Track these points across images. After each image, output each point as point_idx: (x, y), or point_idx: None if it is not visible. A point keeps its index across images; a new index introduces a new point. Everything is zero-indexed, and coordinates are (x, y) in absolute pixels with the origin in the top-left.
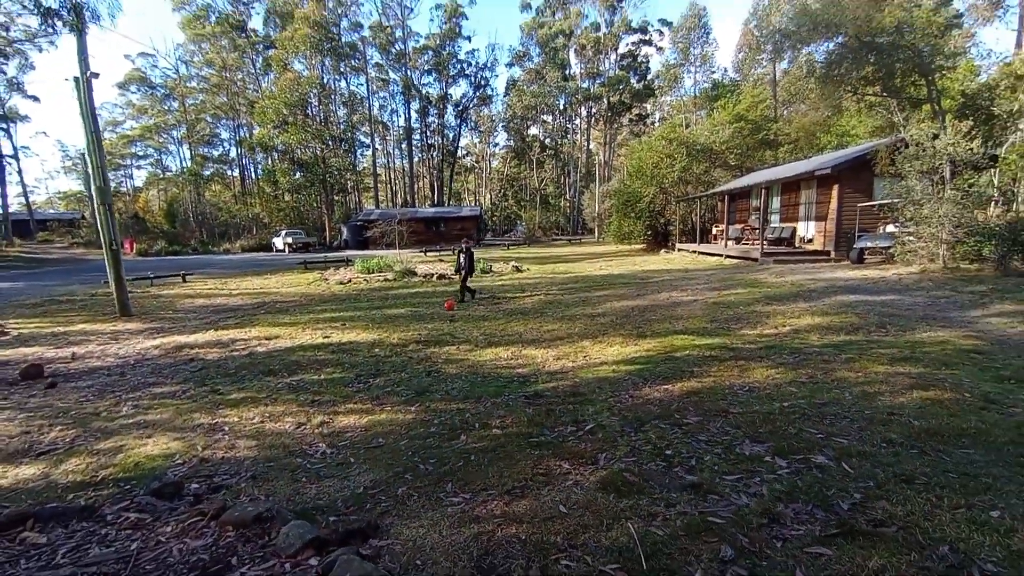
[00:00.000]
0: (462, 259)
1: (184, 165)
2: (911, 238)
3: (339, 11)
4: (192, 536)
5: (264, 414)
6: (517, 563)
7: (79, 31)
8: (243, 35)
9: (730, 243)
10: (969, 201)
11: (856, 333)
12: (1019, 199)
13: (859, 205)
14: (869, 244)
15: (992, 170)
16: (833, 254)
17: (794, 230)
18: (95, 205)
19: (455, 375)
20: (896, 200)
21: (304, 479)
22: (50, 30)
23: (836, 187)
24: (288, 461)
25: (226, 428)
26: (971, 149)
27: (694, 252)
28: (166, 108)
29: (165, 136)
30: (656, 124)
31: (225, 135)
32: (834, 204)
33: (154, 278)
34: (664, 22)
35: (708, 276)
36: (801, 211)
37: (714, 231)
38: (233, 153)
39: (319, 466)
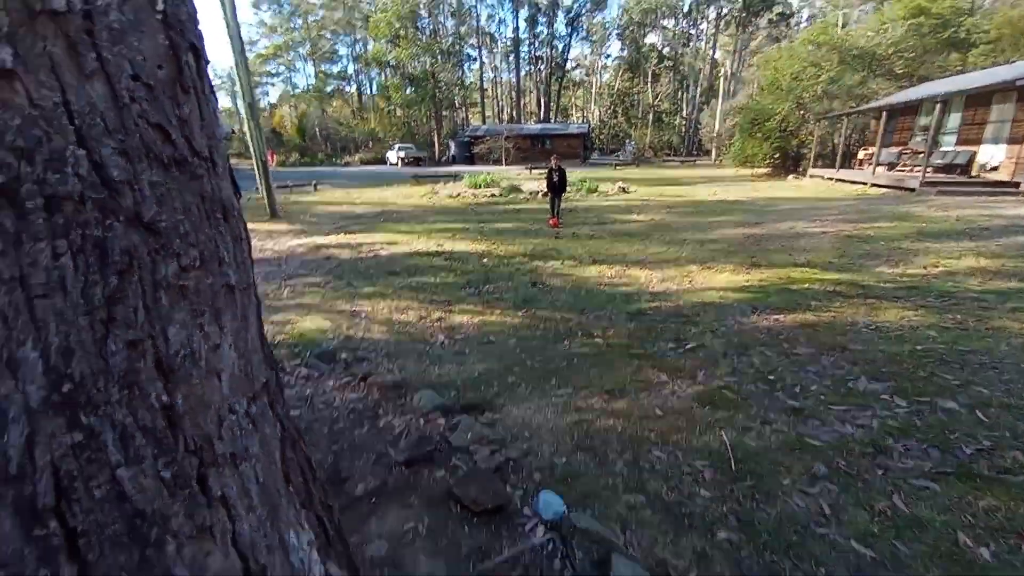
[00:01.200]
0: (555, 177)
1: (309, 83)
2: None
3: None
4: (349, 391)
5: (391, 307)
6: (613, 448)
7: None
8: None
9: (880, 169)
10: None
11: None
12: None
13: None
14: None
15: None
16: None
17: (972, 155)
18: (245, 121)
19: (559, 288)
20: None
21: (428, 361)
22: None
23: None
24: (413, 346)
25: (363, 315)
26: None
27: (830, 179)
28: (292, 26)
29: (293, 54)
30: (803, 25)
31: (343, 51)
32: None
33: (292, 186)
34: None
35: (844, 207)
36: (988, 131)
37: (860, 155)
38: (351, 69)
39: (440, 352)
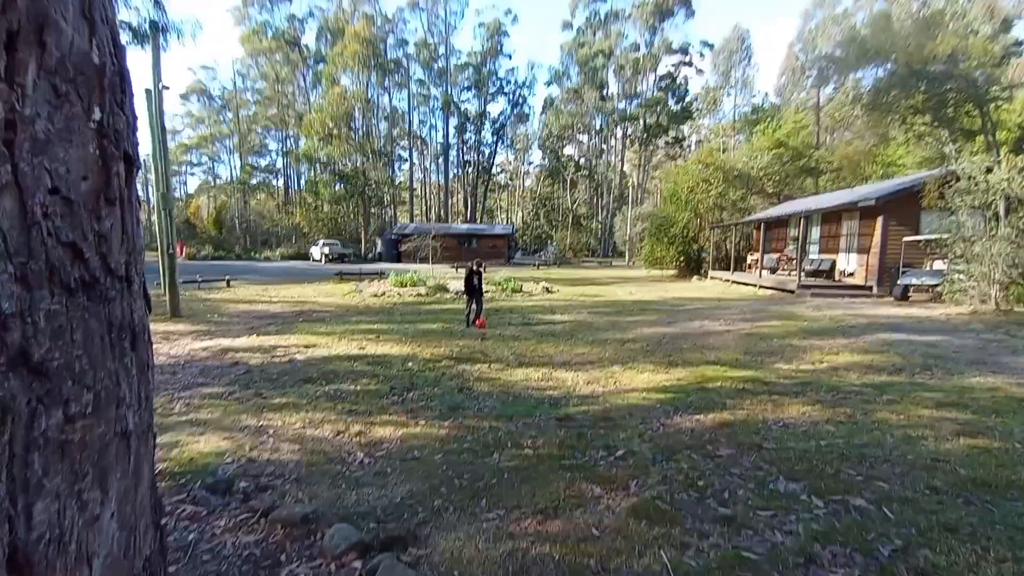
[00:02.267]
0: (475, 281)
1: (234, 174)
2: (961, 276)
3: (387, 28)
4: (244, 531)
5: (305, 420)
6: None
7: (157, 48)
8: (296, 50)
9: (765, 273)
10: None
11: (899, 374)
12: None
13: (904, 239)
14: (915, 281)
15: None
16: (875, 289)
17: (834, 262)
18: (156, 210)
19: (487, 393)
20: (945, 236)
21: (344, 485)
22: (138, 46)
23: (880, 219)
24: (329, 467)
25: (271, 431)
26: None
27: (727, 280)
28: (221, 119)
29: (218, 145)
30: (692, 148)
31: (273, 146)
32: (878, 237)
33: (201, 282)
34: (706, 43)
35: (742, 306)
36: (842, 243)
37: (749, 260)
38: (279, 163)
39: (358, 474)
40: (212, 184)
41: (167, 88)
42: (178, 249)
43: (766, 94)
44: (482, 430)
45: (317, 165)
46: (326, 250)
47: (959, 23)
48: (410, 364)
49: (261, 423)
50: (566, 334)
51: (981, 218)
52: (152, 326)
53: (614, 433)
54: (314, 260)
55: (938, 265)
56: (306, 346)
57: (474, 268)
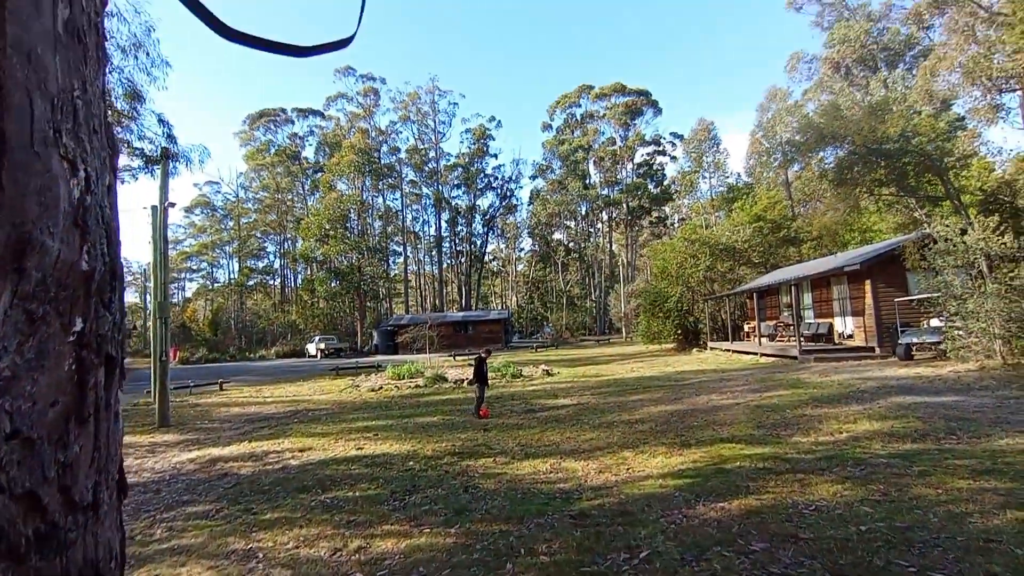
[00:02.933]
0: (484, 368)
1: (232, 277)
2: (960, 333)
3: (380, 139)
4: None
5: (299, 537)
6: None
7: (166, 174)
8: (296, 163)
9: (764, 340)
10: (1014, 294)
11: (924, 440)
12: None
13: (896, 300)
14: (916, 339)
15: None
16: (878, 350)
17: (831, 326)
18: (152, 318)
19: (494, 491)
20: (935, 294)
21: None
22: (148, 174)
23: (868, 282)
24: None
25: (260, 555)
26: (1004, 243)
27: (727, 351)
28: (222, 227)
29: (218, 251)
30: (676, 225)
31: (271, 248)
32: (869, 299)
33: (193, 386)
34: (676, 135)
35: (746, 376)
36: (835, 306)
37: (746, 328)
38: (277, 264)
39: None
40: (210, 288)
41: (173, 205)
42: (171, 355)
43: (738, 174)
44: (492, 535)
45: (314, 264)
46: (322, 346)
47: (902, 106)
48: (411, 463)
49: (250, 545)
50: (571, 419)
51: (967, 276)
52: (139, 438)
53: (634, 530)
54: (310, 356)
55: (935, 322)
56: (301, 450)
57: (483, 355)
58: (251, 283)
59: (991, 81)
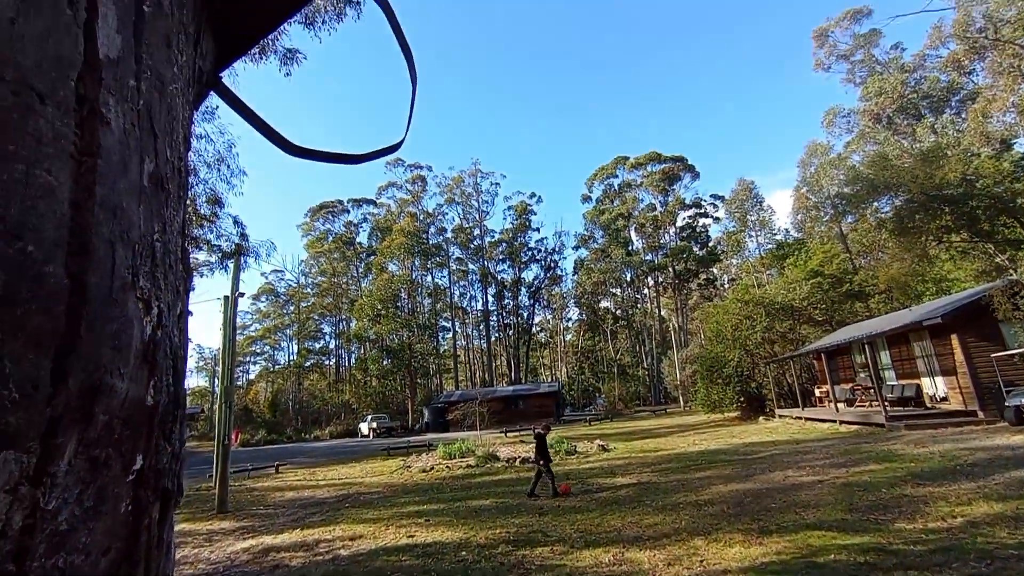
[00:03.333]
0: (545, 445)
1: (291, 359)
2: None
3: (428, 221)
4: None
5: None
6: None
7: (238, 268)
8: (351, 248)
9: (840, 406)
10: None
11: None
12: None
13: (993, 356)
14: None
15: None
16: (981, 414)
17: (919, 387)
18: (219, 402)
19: None
20: None
21: None
22: (223, 269)
23: (955, 337)
24: None
25: None
26: None
27: (798, 419)
28: (284, 312)
29: (280, 334)
30: (726, 286)
31: (327, 329)
32: (960, 356)
33: (251, 470)
34: (716, 196)
35: (825, 448)
36: (920, 365)
37: (817, 393)
38: (332, 345)
39: None
40: (271, 370)
41: (243, 295)
42: (233, 437)
43: (786, 230)
44: None
45: (367, 343)
46: (374, 425)
47: (957, 150)
48: (464, 553)
49: None
50: (632, 500)
51: None
52: (197, 526)
53: None
54: (363, 436)
55: None
56: (351, 538)
57: (542, 432)
58: (308, 364)
59: None
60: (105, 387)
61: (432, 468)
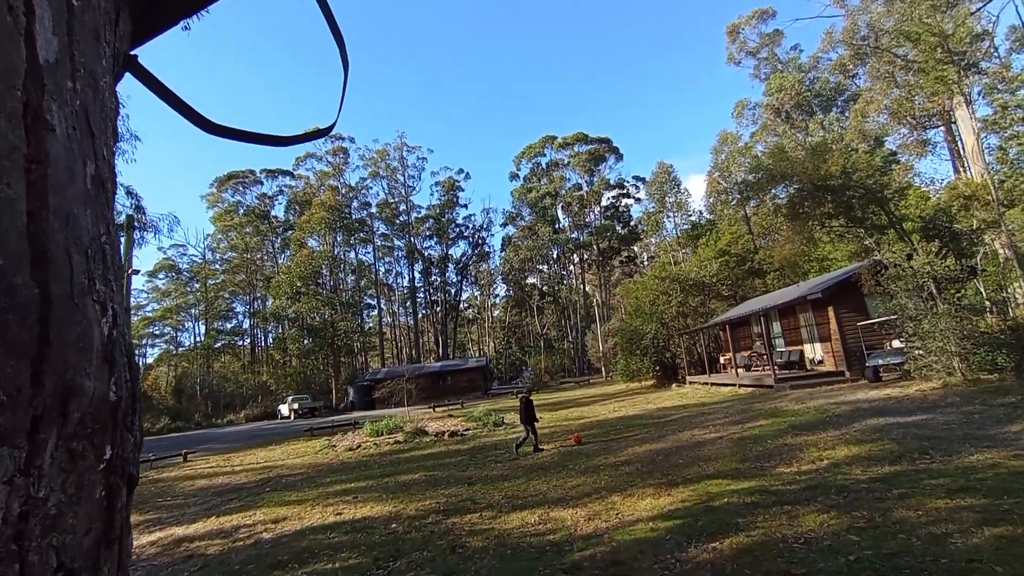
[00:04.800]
0: (531, 407)
1: (198, 340)
2: (920, 352)
3: (351, 195)
4: None
5: None
6: None
7: (131, 242)
8: (266, 222)
9: (740, 371)
10: (964, 313)
11: (900, 462)
12: (1012, 304)
13: (859, 324)
14: (882, 361)
15: (974, 281)
16: (848, 374)
17: (802, 352)
18: None
19: (482, 549)
20: (893, 317)
21: None
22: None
23: (831, 309)
24: None
25: None
26: (947, 266)
27: (706, 384)
28: (188, 290)
29: (183, 315)
30: (646, 264)
31: (240, 308)
32: (834, 325)
33: (154, 460)
34: (638, 178)
35: (726, 408)
36: (804, 333)
37: (722, 360)
38: (246, 324)
39: None
40: (174, 353)
41: (137, 272)
42: None
43: (700, 212)
44: None
45: (285, 322)
46: (295, 406)
47: (840, 145)
48: (394, 526)
49: None
50: (556, 465)
51: (919, 298)
52: None
53: None
54: (283, 418)
55: (896, 344)
56: (274, 521)
57: (526, 396)
58: (218, 345)
59: (915, 120)
60: (76, 387)
61: (359, 446)
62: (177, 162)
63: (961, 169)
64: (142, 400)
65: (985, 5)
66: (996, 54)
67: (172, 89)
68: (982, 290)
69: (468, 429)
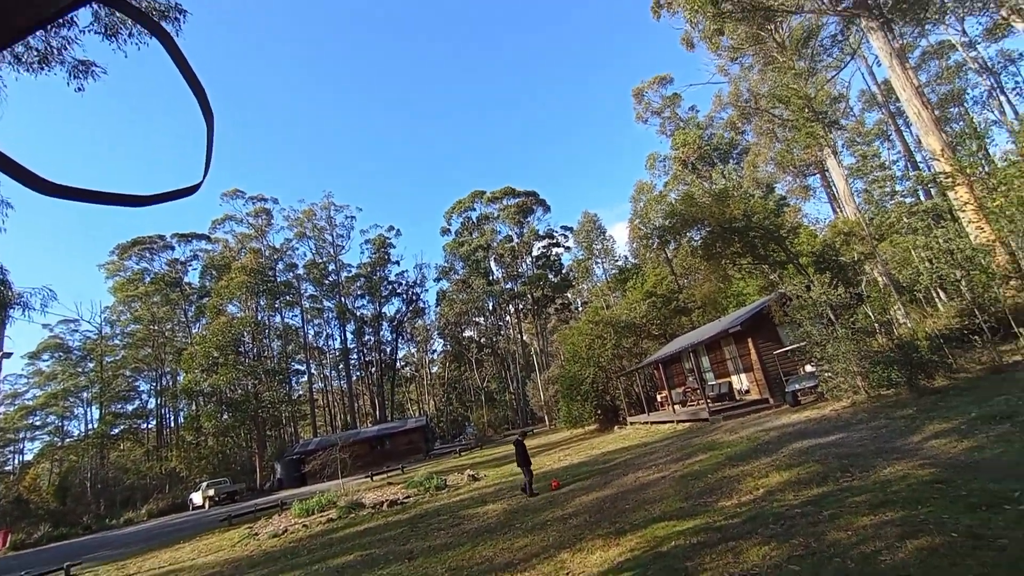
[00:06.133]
0: (526, 452)
1: (90, 427)
2: (829, 375)
3: (275, 257)
4: None
5: None
6: None
7: (0, 322)
8: (177, 289)
9: (677, 407)
10: (859, 335)
11: (826, 482)
12: (896, 325)
13: (775, 352)
14: (798, 386)
15: (862, 306)
16: (771, 400)
17: (730, 384)
18: None
19: None
20: (803, 343)
21: None
22: None
23: (750, 340)
24: None
25: None
26: (839, 294)
27: (646, 423)
28: (80, 370)
29: (72, 400)
30: (580, 309)
31: (144, 387)
32: (754, 355)
33: None
34: (566, 228)
35: (667, 446)
36: (730, 365)
37: (659, 398)
38: (152, 404)
39: None
40: (59, 445)
41: (8, 355)
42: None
43: (626, 257)
44: None
45: (199, 399)
46: (210, 492)
47: (739, 192)
48: None
49: None
50: (502, 526)
51: (821, 325)
52: None
53: None
54: (195, 507)
55: (808, 368)
56: None
57: (519, 439)
58: (116, 431)
59: (796, 168)
60: None
61: (285, 531)
62: (70, 231)
63: (838, 210)
64: (16, 506)
65: (838, 74)
66: (852, 113)
67: None
68: (870, 313)
69: (408, 496)
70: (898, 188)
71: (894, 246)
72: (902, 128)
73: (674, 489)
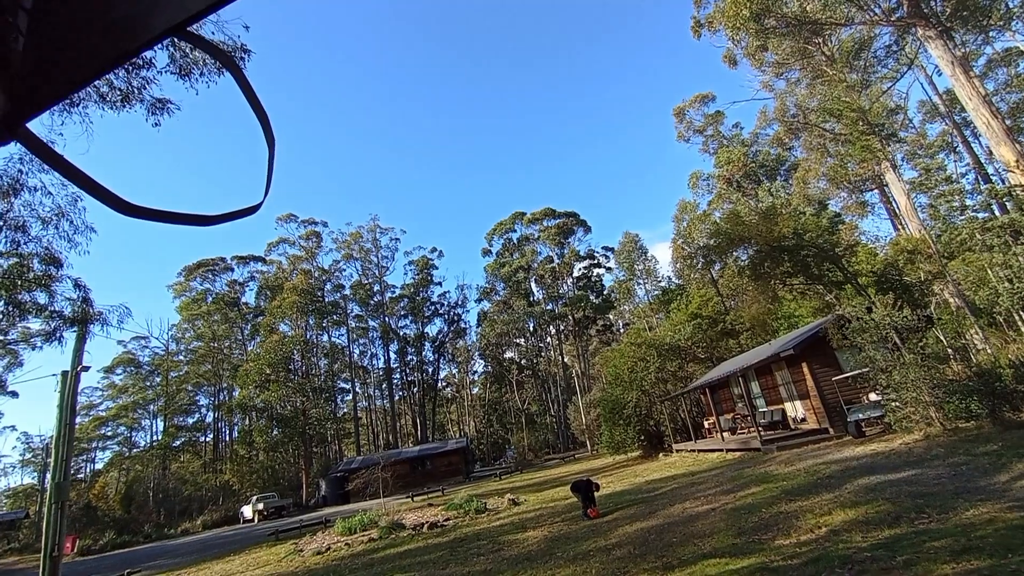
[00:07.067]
0: (591, 491)
1: (155, 438)
2: (897, 404)
3: (324, 278)
4: None
5: None
6: None
7: (82, 338)
8: (235, 309)
9: (726, 435)
10: (930, 362)
11: (899, 524)
12: (973, 351)
13: (833, 379)
14: (862, 415)
15: (932, 330)
16: (831, 430)
17: (784, 411)
18: (47, 502)
19: None
20: (866, 369)
21: None
22: (57, 343)
23: (805, 365)
24: None
25: None
26: (905, 316)
27: (693, 451)
28: (147, 384)
29: (140, 412)
30: (622, 331)
31: (204, 401)
32: (810, 381)
33: None
34: (607, 248)
35: (716, 476)
36: (783, 392)
37: (706, 424)
38: (210, 418)
39: None
40: (127, 455)
41: (87, 369)
42: (68, 545)
43: (669, 277)
44: None
45: (253, 413)
46: (260, 506)
47: (788, 209)
48: None
49: None
50: (543, 554)
51: (886, 350)
52: None
53: None
54: (246, 521)
55: (873, 396)
56: None
57: (591, 481)
58: (178, 443)
59: (852, 184)
60: None
61: (328, 548)
62: (141, 253)
63: (900, 227)
64: (85, 513)
65: (893, 85)
66: (912, 125)
67: (73, 163)
68: (942, 338)
69: (448, 519)
70: (968, 202)
71: (967, 265)
72: (969, 139)
73: (725, 523)
